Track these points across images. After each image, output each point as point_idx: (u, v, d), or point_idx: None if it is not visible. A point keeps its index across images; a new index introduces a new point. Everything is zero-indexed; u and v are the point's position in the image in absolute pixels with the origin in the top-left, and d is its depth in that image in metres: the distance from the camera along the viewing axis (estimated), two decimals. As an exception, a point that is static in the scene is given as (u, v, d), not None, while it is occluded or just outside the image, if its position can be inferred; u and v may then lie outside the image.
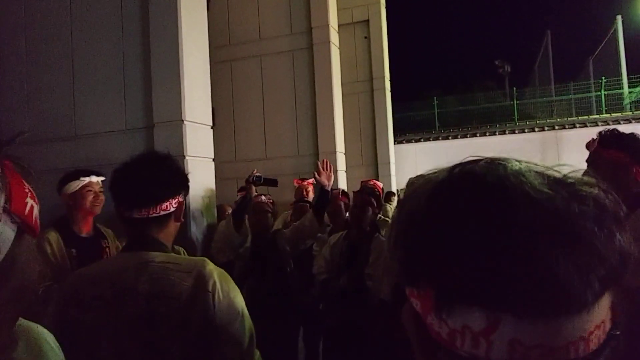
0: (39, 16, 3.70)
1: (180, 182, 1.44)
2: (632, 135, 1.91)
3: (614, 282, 0.44)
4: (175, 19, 3.26)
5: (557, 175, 0.47)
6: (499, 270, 0.41)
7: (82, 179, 2.62)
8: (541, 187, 0.45)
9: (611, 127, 2.06)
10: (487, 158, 0.51)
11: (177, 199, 1.40)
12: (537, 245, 0.41)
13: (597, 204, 0.44)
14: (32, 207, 0.72)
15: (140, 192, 1.36)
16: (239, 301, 1.34)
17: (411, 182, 0.57)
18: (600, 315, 0.43)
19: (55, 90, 3.62)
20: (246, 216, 3.35)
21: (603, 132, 1.97)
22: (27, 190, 0.73)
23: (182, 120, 3.21)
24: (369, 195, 3.31)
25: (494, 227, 0.43)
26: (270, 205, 3.36)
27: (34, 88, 3.68)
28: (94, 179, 2.66)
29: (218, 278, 1.31)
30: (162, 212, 1.36)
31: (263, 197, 3.38)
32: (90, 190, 2.64)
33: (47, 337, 0.96)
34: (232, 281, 1.36)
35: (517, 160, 0.50)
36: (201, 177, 3.34)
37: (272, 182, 3.60)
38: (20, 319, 0.91)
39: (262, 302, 3.01)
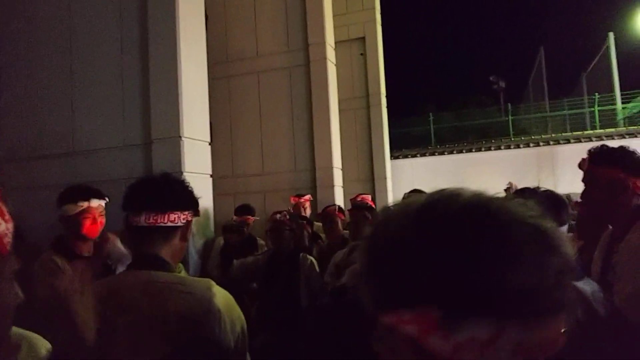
0: (39, 32, 3.74)
1: (191, 200, 1.46)
2: (622, 148, 1.91)
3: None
4: (173, 36, 3.30)
5: (519, 202, 0.53)
6: (504, 282, 0.45)
7: (79, 203, 2.39)
8: (522, 210, 0.50)
9: (599, 143, 2.06)
10: (453, 189, 0.55)
11: (186, 215, 1.41)
12: (532, 256, 0.47)
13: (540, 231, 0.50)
14: (5, 227, 0.68)
15: (152, 196, 1.38)
16: (242, 321, 1.36)
17: (381, 212, 0.59)
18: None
19: (54, 106, 3.65)
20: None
21: (592, 150, 1.95)
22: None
23: (180, 137, 3.23)
24: (363, 210, 3.32)
25: (496, 244, 0.47)
26: (287, 222, 3.28)
27: (32, 104, 3.71)
28: (94, 203, 2.43)
29: (222, 300, 1.31)
30: (170, 224, 1.37)
31: (278, 215, 3.33)
32: (88, 217, 2.40)
33: (45, 344, 1.05)
34: (235, 303, 1.37)
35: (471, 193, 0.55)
36: (198, 193, 3.33)
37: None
38: (19, 329, 0.95)
39: (272, 326, 2.96)
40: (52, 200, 3.27)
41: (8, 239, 0.70)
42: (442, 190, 0.55)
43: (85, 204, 2.40)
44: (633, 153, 1.89)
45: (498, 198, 0.53)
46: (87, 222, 2.40)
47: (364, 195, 4.45)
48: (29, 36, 3.77)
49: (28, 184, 3.50)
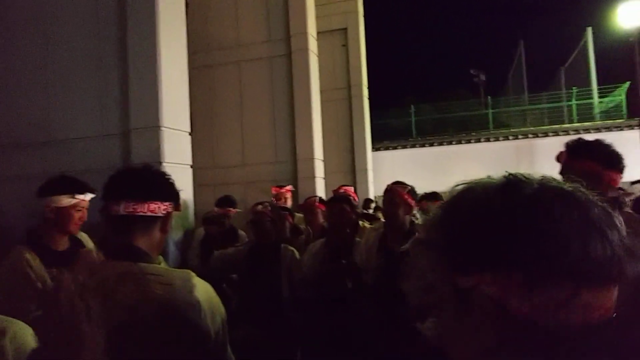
0: (13, 20, 3.63)
1: (172, 191, 1.45)
2: (598, 141, 1.95)
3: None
4: (153, 24, 3.24)
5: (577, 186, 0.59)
6: (582, 253, 0.52)
7: (77, 196, 2.30)
8: (589, 194, 0.58)
9: (576, 136, 2.10)
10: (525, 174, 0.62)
11: (166, 206, 1.39)
12: (602, 233, 0.54)
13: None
14: None
15: (132, 184, 1.36)
16: (222, 313, 1.35)
17: (455, 190, 0.65)
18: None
19: (29, 94, 3.55)
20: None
21: (570, 143, 2.00)
22: None
23: (160, 126, 3.18)
24: (341, 201, 3.28)
25: (577, 220, 0.54)
26: (269, 213, 3.22)
27: (6, 92, 3.61)
28: (88, 197, 2.34)
29: (203, 291, 1.30)
30: (150, 213, 1.34)
31: (260, 207, 3.29)
32: (79, 211, 2.31)
33: (28, 331, 1.09)
34: (215, 294, 1.36)
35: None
36: (178, 183, 3.30)
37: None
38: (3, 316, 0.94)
39: (254, 318, 2.95)
40: (26, 190, 3.19)
41: None
42: (514, 174, 0.61)
43: (81, 197, 2.31)
44: (608, 146, 1.93)
45: (564, 183, 0.60)
46: (77, 217, 2.30)
47: (346, 187, 4.45)
48: (3, 23, 3.65)
49: (1, 173, 3.41)
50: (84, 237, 2.50)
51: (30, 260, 2.16)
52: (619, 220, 0.56)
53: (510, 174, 0.61)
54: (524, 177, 0.60)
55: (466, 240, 0.58)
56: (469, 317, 0.58)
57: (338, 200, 3.32)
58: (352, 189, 4.44)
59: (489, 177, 0.63)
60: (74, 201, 2.29)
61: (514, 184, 0.59)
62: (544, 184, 0.58)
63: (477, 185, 0.62)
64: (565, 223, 0.54)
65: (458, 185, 0.64)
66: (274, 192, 4.93)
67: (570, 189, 0.58)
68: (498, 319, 0.55)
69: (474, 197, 0.60)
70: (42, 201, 2.30)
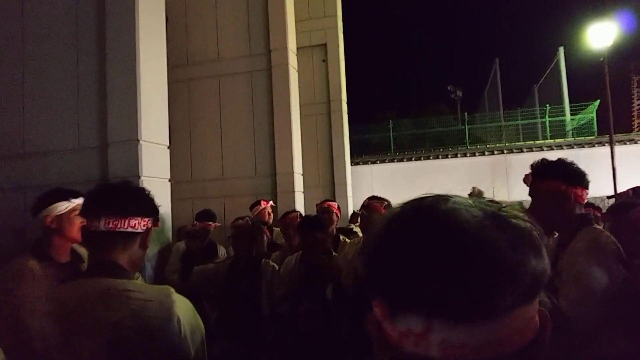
0: (-11, 30, 3.58)
1: (152, 207, 1.45)
2: (561, 160, 2.02)
3: (528, 298, 0.53)
4: (132, 36, 3.23)
5: (492, 209, 0.57)
6: (431, 283, 0.51)
7: (72, 200, 2.25)
8: (473, 218, 0.54)
9: (550, 154, 2.17)
10: (436, 195, 0.61)
11: (146, 222, 1.39)
12: (462, 264, 0.51)
13: (516, 233, 0.54)
14: None
15: (112, 200, 1.36)
16: (201, 329, 1.35)
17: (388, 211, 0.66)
18: (516, 323, 0.52)
19: (4, 105, 3.50)
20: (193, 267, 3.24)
21: (534, 164, 2.06)
22: None
23: (138, 140, 3.16)
24: (314, 228, 3.20)
25: (428, 249, 0.52)
26: (249, 228, 3.17)
27: (-20, 103, 3.54)
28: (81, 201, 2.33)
29: (182, 308, 1.30)
30: (130, 229, 1.34)
31: (240, 221, 3.25)
32: (79, 215, 2.32)
33: None
34: (194, 311, 1.36)
35: (463, 197, 0.61)
36: (157, 198, 3.27)
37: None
38: None
39: (233, 333, 2.92)
40: (1, 203, 3.13)
41: None
42: (417, 200, 0.61)
43: (76, 201, 2.23)
44: (571, 164, 2.02)
45: (456, 202, 0.58)
46: (78, 221, 2.20)
47: (330, 202, 4.45)
48: (-22, 32, 3.60)
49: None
50: (82, 251, 2.41)
51: (33, 268, 2.08)
52: (493, 247, 0.52)
53: (412, 200, 0.61)
54: (421, 204, 0.59)
55: (365, 267, 0.60)
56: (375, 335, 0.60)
57: (310, 227, 3.21)
58: (335, 204, 4.43)
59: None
60: (71, 205, 2.24)
61: (402, 213, 0.59)
62: (418, 207, 0.58)
63: (399, 206, 0.62)
64: (420, 250, 0.53)
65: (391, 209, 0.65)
66: (263, 205, 4.82)
67: (444, 212, 0.55)
68: (381, 341, 0.57)
69: (384, 218, 0.61)
70: (39, 217, 2.25)
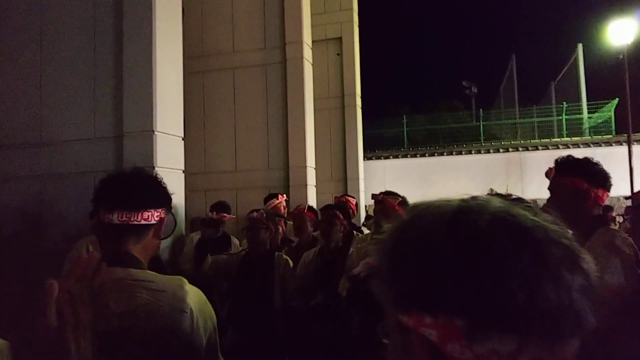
0: (9, 21, 3.62)
1: (165, 197, 1.44)
2: (587, 159, 2.00)
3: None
4: (149, 28, 3.24)
5: (548, 218, 0.54)
6: (530, 302, 0.47)
7: None
8: (554, 228, 0.52)
9: (566, 152, 2.14)
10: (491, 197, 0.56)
11: (159, 213, 1.39)
12: (557, 277, 0.48)
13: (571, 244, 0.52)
14: None
15: (126, 193, 1.35)
16: (213, 320, 1.35)
17: (410, 210, 0.59)
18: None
19: (22, 94, 3.54)
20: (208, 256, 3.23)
21: (559, 160, 2.04)
22: None
23: (153, 131, 3.18)
24: (336, 210, 3.32)
25: (527, 262, 0.48)
26: (264, 221, 3.19)
27: (-1, 92, 3.59)
28: None
29: (195, 298, 1.30)
30: (143, 222, 1.34)
31: (255, 214, 3.25)
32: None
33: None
34: (207, 301, 1.36)
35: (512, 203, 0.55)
36: (171, 188, 3.29)
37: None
38: None
39: (245, 326, 2.94)
40: (18, 191, 3.18)
41: None
42: (474, 198, 0.56)
43: None
44: (597, 165, 1.98)
45: (527, 210, 0.53)
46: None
47: (348, 197, 4.42)
48: (-2, 23, 3.64)
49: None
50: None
51: (90, 248, 2.17)
52: (586, 261, 0.51)
53: (464, 200, 0.55)
54: (480, 203, 0.54)
55: (407, 276, 0.52)
56: (410, 355, 0.53)
57: (331, 206, 3.36)
58: (354, 200, 4.40)
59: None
60: None
61: (464, 214, 0.52)
62: (497, 216, 0.52)
63: (428, 210, 0.56)
64: (511, 265, 0.48)
65: (416, 205, 0.58)
66: (280, 198, 4.83)
67: (529, 223, 0.51)
68: None
69: (422, 225, 0.54)
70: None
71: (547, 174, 2.06)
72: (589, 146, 13.04)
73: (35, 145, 3.46)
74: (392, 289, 0.54)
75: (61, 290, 1.04)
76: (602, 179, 1.96)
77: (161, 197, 1.43)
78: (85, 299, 1.24)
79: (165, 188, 1.47)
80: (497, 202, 0.54)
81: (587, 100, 16.67)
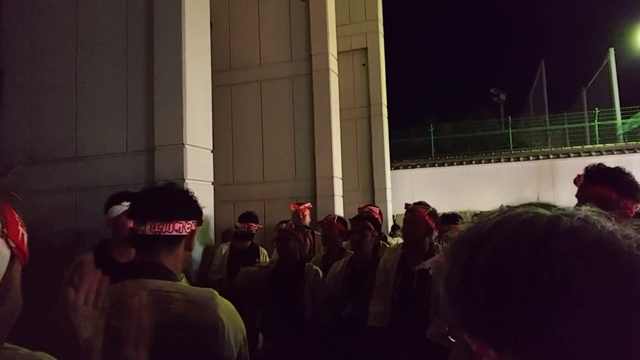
0: (44, 37, 3.76)
1: (196, 209, 1.48)
2: (618, 169, 1.95)
3: None
4: (179, 43, 3.32)
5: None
6: (604, 342, 0.41)
7: (123, 204, 2.39)
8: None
9: (599, 159, 2.09)
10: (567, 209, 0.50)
11: (190, 225, 1.43)
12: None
13: None
14: (23, 234, 0.76)
15: (157, 205, 1.40)
16: (243, 330, 1.37)
17: (480, 220, 0.53)
18: None
19: (58, 111, 3.66)
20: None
21: (589, 167, 2.00)
22: (17, 219, 0.76)
23: (183, 144, 3.25)
24: (366, 220, 3.32)
25: (616, 313, 0.42)
26: (293, 232, 3.22)
27: (36, 108, 3.73)
28: None
29: (225, 310, 1.32)
30: (175, 233, 1.38)
31: (284, 225, 3.28)
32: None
33: None
34: (237, 312, 1.38)
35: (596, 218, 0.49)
36: (200, 200, 3.35)
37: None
38: (20, 348, 0.91)
39: (276, 335, 2.96)
40: (54, 205, 3.27)
41: (26, 247, 0.75)
42: (564, 213, 0.49)
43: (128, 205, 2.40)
44: (628, 175, 1.93)
45: (614, 235, 0.46)
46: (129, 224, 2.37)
47: (372, 207, 4.44)
48: (34, 41, 3.79)
49: (29, 189, 3.51)
50: None
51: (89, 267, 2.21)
52: None
53: (554, 216, 0.48)
54: (575, 226, 0.46)
55: (477, 301, 0.47)
56: None
57: (362, 218, 3.36)
58: (377, 209, 4.42)
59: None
60: (122, 209, 2.41)
61: (550, 233, 0.45)
62: (579, 235, 0.45)
63: (511, 220, 0.49)
64: (603, 327, 0.41)
65: (496, 212, 0.52)
66: (292, 208, 4.96)
67: (620, 246, 0.44)
68: None
69: (501, 240, 0.47)
70: (107, 219, 2.45)
71: (575, 181, 2.02)
72: (624, 152, 12.69)
73: (70, 160, 3.57)
74: (459, 307, 0.49)
75: (88, 302, 1.06)
76: (632, 190, 1.91)
77: (192, 210, 1.47)
78: (121, 310, 1.27)
79: (196, 201, 1.51)
80: (580, 216, 0.47)
81: (621, 105, 16.25)
